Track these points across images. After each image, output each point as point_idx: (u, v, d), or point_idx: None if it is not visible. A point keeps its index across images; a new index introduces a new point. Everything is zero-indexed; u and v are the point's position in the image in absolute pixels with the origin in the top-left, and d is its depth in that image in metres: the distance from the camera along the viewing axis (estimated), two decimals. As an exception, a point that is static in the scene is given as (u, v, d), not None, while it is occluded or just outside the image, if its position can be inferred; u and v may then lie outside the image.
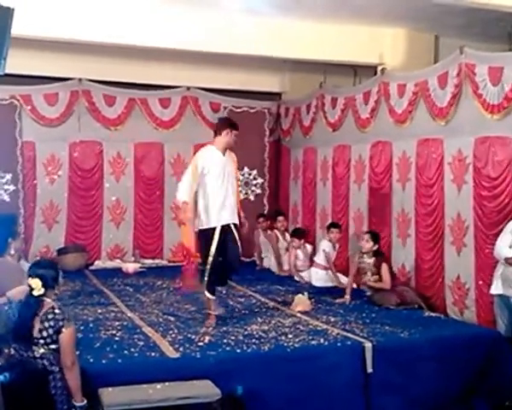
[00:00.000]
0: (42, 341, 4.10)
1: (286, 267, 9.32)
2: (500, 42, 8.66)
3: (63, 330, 4.13)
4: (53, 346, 4.13)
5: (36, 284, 4.15)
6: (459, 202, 6.94)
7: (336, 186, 9.35)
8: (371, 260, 7.40)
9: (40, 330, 4.10)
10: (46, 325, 4.11)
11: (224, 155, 6.39)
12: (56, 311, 4.17)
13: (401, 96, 7.84)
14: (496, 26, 8.42)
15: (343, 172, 9.17)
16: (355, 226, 8.89)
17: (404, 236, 7.85)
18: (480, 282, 6.60)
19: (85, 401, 4.25)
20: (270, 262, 9.71)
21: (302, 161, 10.39)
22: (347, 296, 7.34)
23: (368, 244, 7.40)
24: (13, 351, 4.12)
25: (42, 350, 4.10)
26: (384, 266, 7.34)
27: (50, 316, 4.13)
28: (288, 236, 9.62)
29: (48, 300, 4.21)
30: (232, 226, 6.31)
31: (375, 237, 7.50)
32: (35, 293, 4.16)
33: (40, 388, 3.98)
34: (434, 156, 7.32)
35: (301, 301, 7.03)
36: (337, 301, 7.31)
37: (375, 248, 7.44)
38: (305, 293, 7.27)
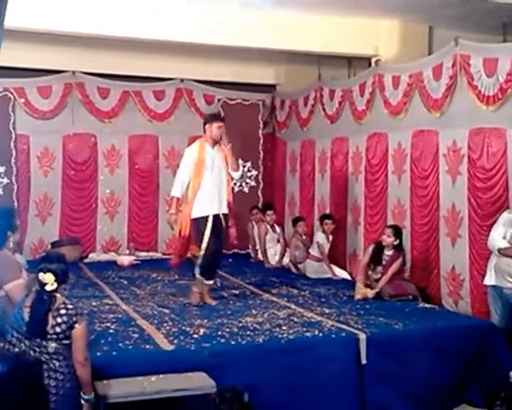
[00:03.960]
0: (55, 336, 4.05)
1: (274, 261, 9.35)
2: (495, 33, 8.64)
3: (76, 325, 4.08)
4: (65, 341, 4.08)
5: (49, 278, 4.08)
6: (454, 194, 6.96)
7: (335, 178, 9.34)
8: (389, 253, 7.21)
9: (53, 326, 4.04)
10: (59, 320, 4.05)
11: (213, 148, 6.74)
12: (69, 306, 4.11)
13: (396, 87, 7.84)
14: (490, 17, 8.41)
15: (341, 164, 9.16)
16: (352, 218, 8.90)
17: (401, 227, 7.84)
18: (475, 273, 6.62)
19: (93, 394, 4.27)
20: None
21: (299, 153, 10.37)
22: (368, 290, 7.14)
23: (389, 239, 7.16)
24: (24, 347, 4.07)
25: (54, 345, 4.05)
26: (398, 261, 7.14)
27: (63, 311, 4.07)
28: (277, 228, 9.61)
29: (58, 295, 4.15)
30: (221, 217, 6.75)
31: (398, 232, 7.27)
32: (48, 288, 4.08)
33: (33, 380, 3.95)
34: (429, 148, 7.32)
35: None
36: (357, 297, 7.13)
37: (397, 242, 7.21)
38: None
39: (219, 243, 6.81)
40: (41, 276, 4.11)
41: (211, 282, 6.89)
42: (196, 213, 6.65)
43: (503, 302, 6.06)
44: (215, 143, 6.74)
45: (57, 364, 4.07)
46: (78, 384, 4.18)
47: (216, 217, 6.67)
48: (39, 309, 4.07)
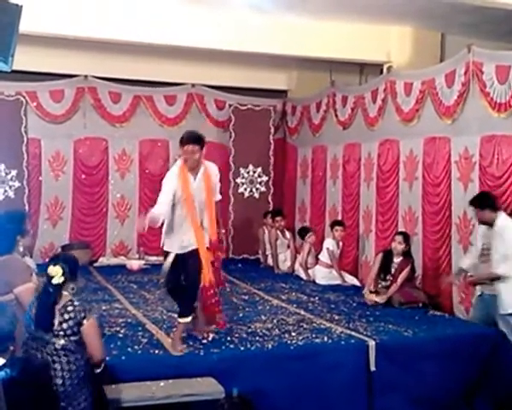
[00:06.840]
0: (62, 333, 4.04)
1: (284, 266, 9.35)
2: (507, 40, 8.61)
3: (84, 321, 4.08)
4: (73, 337, 4.07)
5: (56, 271, 4.08)
6: (466, 201, 6.88)
7: (347, 185, 9.31)
8: (398, 260, 7.20)
9: (60, 323, 4.04)
10: (66, 317, 4.05)
11: (195, 178, 5.47)
12: (76, 303, 4.12)
13: (408, 94, 7.82)
14: (503, 25, 8.37)
15: (353, 171, 9.13)
16: (364, 225, 8.87)
17: (411, 234, 7.80)
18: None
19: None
20: (274, 260, 9.70)
21: (311, 159, 10.35)
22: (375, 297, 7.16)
23: (400, 246, 7.16)
24: (31, 343, 4.08)
25: (62, 341, 4.05)
26: (407, 269, 7.11)
27: (70, 308, 4.07)
28: (287, 234, 9.60)
29: (65, 293, 4.15)
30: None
31: (408, 239, 7.26)
32: (54, 281, 4.08)
33: (42, 383, 3.96)
34: (441, 155, 7.30)
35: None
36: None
37: (406, 249, 7.21)
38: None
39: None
40: (50, 269, 4.11)
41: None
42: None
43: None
44: (194, 169, 5.44)
45: (65, 359, 4.06)
46: (86, 377, 4.17)
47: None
48: (45, 301, 4.08)
